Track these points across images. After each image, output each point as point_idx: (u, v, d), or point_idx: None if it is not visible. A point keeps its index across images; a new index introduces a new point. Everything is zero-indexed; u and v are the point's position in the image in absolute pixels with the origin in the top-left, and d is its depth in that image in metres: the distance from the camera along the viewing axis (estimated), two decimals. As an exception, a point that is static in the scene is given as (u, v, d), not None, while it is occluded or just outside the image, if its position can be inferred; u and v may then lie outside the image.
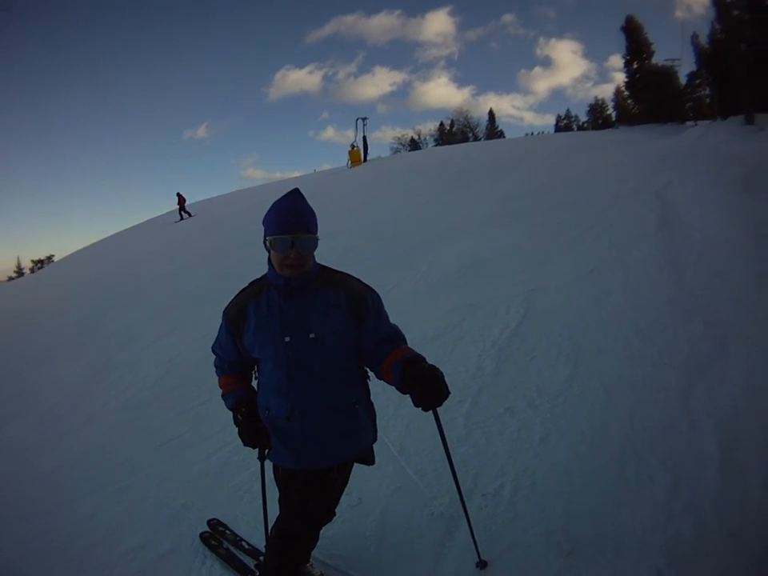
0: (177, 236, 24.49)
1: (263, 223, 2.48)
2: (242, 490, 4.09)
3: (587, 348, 5.62)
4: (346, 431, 2.61)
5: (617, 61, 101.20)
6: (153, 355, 8.12)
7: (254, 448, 2.70)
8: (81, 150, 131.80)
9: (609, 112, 59.19)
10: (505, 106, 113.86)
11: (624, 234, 9.19)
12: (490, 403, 4.84)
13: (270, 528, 2.78)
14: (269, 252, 2.48)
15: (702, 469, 3.69)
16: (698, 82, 44.43)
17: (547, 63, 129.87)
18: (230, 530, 3.60)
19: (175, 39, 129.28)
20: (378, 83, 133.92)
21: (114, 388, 7.26)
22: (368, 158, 39.19)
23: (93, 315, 12.77)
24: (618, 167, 15.10)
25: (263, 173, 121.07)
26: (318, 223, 2.53)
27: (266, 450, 2.68)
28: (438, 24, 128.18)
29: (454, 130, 70.00)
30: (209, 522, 3.70)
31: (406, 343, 2.62)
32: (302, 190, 2.58)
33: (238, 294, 2.64)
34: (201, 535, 3.60)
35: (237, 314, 2.57)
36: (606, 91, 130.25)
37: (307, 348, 2.47)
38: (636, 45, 45.96)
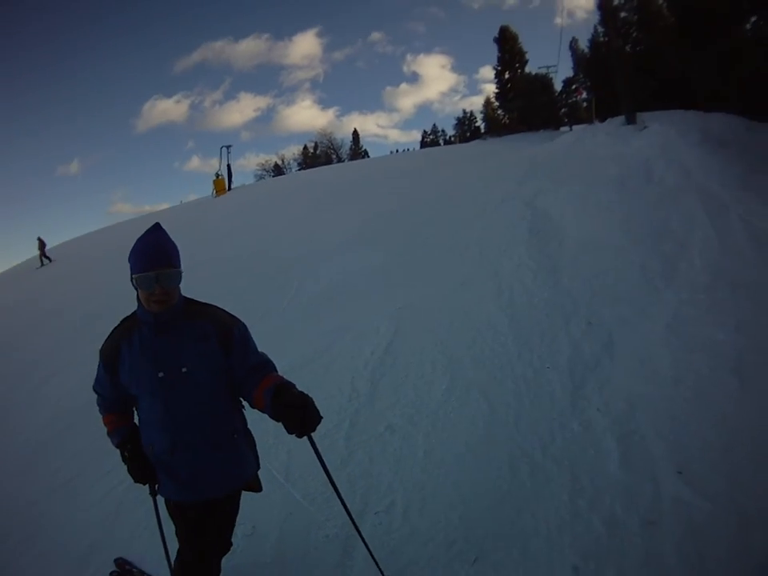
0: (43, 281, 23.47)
1: (128, 261, 2.59)
2: (142, 527, 4.18)
3: (462, 360, 5.92)
4: (228, 461, 2.74)
5: (487, 72, 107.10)
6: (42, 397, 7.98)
7: (143, 484, 2.83)
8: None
9: (478, 124, 61.12)
10: (369, 125, 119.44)
11: (493, 244, 9.71)
12: (369, 423, 5.05)
13: (173, 561, 2.91)
14: (136, 290, 2.59)
15: (603, 465, 4.04)
16: (574, 87, 46.57)
17: (414, 79, 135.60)
18: (137, 568, 3.79)
19: (43, 66, 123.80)
20: (243, 109, 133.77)
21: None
22: (232, 187, 39.31)
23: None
24: (486, 178, 16.13)
25: (131, 207, 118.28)
26: (184, 254, 2.68)
27: (156, 485, 2.81)
28: (305, 46, 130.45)
29: (317, 152, 71.06)
30: (115, 561, 3.86)
31: (275, 371, 2.77)
32: (167, 223, 2.76)
33: (111, 333, 2.74)
34: (110, 575, 3.75)
35: (111, 352, 2.67)
36: (475, 103, 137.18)
37: (181, 382, 2.59)
38: (509, 55, 48.30)
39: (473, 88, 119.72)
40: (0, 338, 13.59)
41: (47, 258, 30.47)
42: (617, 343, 5.73)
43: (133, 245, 2.62)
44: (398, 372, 5.88)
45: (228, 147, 41.23)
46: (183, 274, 2.63)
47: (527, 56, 49.87)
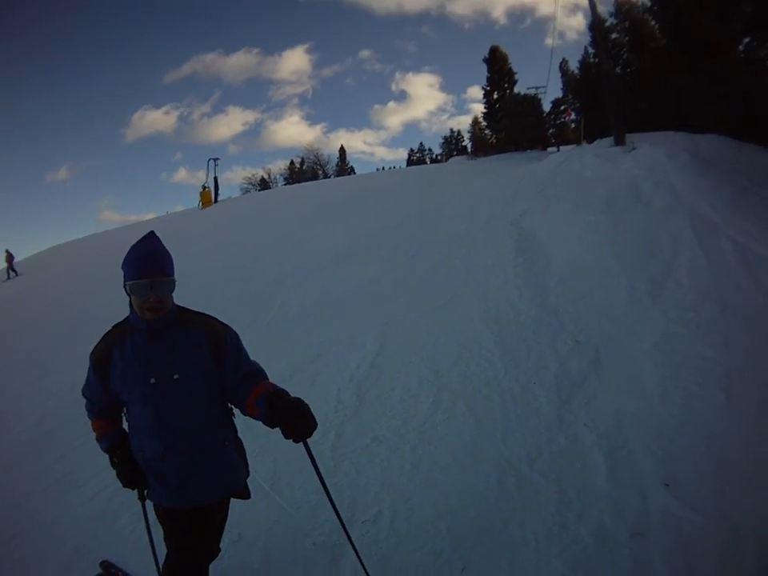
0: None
1: (122, 268, 2.66)
2: (127, 531, 4.27)
3: (449, 375, 6.03)
4: (219, 468, 2.81)
5: (476, 92, 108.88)
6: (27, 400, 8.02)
7: (132, 489, 2.90)
8: None
9: (464, 143, 61.68)
10: (356, 142, 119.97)
11: (480, 262, 9.88)
12: (356, 434, 5.14)
13: (161, 566, 2.96)
14: (129, 296, 2.67)
15: (591, 478, 4.14)
16: (562, 108, 47.14)
17: (402, 97, 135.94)
18: (122, 571, 3.85)
19: (35, 73, 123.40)
20: (231, 123, 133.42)
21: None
22: (218, 199, 39.52)
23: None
24: (472, 197, 16.32)
25: (118, 216, 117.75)
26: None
27: (145, 491, 2.88)
28: (294, 61, 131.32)
29: (304, 168, 71.26)
30: (101, 563, 3.92)
31: (267, 379, 2.84)
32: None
33: (102, 337, 2.81)
34: (95, 577, 3.83)
35: (102, 357, 2.73)
36: (462, 123, 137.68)
37: (172, 389, 2.66)
38: (499, 75, 48.80)
39: (461, 107, 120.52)
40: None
41: (14, 271, 30.27)
42: (604, 360, 5.85)
43: (127, 252, 2.68)
44: (384, 385, 5.98)
45: (216, 160, 41.64)
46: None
47: (516, 76, 50.57)
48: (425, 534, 3.74)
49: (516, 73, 50.47)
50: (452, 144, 66.68)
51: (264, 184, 70.99)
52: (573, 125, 46.30)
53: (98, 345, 2.79)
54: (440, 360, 6.38)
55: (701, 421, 4.60)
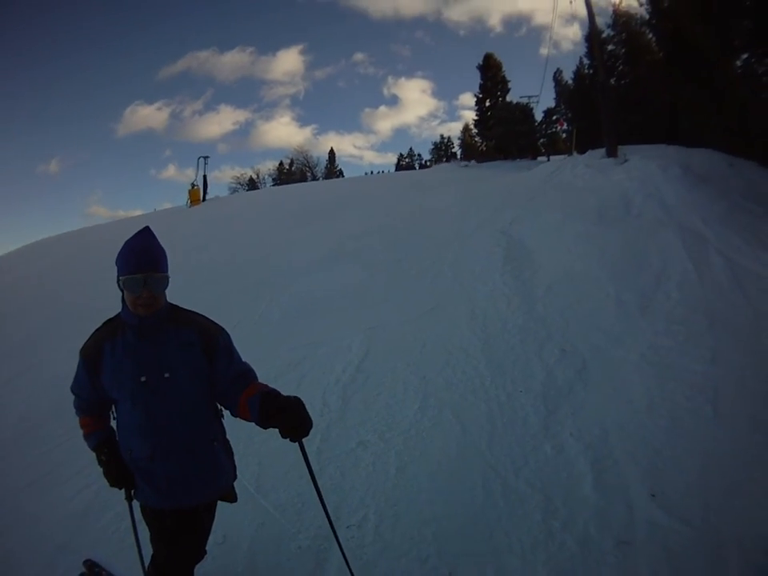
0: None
1: (116, 263, 2.68)
2: (111, 529, 4.31)
3: (435, 381, 6.09)
4: (207, 469, 2.83)
5: (468, 99, 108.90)
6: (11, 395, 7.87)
7: (119, 489, 2.90)
8: None
9: (454, 149, 61.84)
10: (346, 145, 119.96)
11: (467, 269, 9.95)
12: (341, 438, 5.18)
13: (147, 566, 2.99)
14: (122, 292, 2.69)
15: (577, 488, 4.21)
16: (555, 117, 47.45)
17: (394, 102, 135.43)
18: (106, 570, 3.82)
19: (27, 66, 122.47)
20: (222, 121, 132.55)
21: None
22: (207, 198, 39.35)
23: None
24: (461, 204, 16.25)
25: (106, 211, 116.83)
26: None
27: (132, 491, 2.89)
28: (288, 62, 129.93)
29: (293, 169, 71.21)
30: (84, 562, 3.87)
31: (257, 379, 2.86)
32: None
33: (93, 333, 2.82)
34: (79, 576, 3.83)
35: (93, 354, 2.74)
36: (453, 129, 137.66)
37: (163, 388, 2.67)
38: (492, 82, 48.96)
39: (452, 114, 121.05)
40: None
41: None
42: (591, 371, 5.94)
43: (122, 246, 2.70)
44: (370, 390, 6.03)
45: (205, 158, 41.42)
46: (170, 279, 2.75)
47: (510, 85, 50.64)
48: (410, 540, 3.78)
49: (509, 81, 50.65)
50: (442, 150, 66.95)
51: (252, 184, 70.88)
52: (564, 135, 46.56)
53: (88, 341, 2.79)
54: (426, 366, 6.43)
55: (687, 433, 4.70)
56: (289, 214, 21.14)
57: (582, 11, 31.12)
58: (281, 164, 75.29)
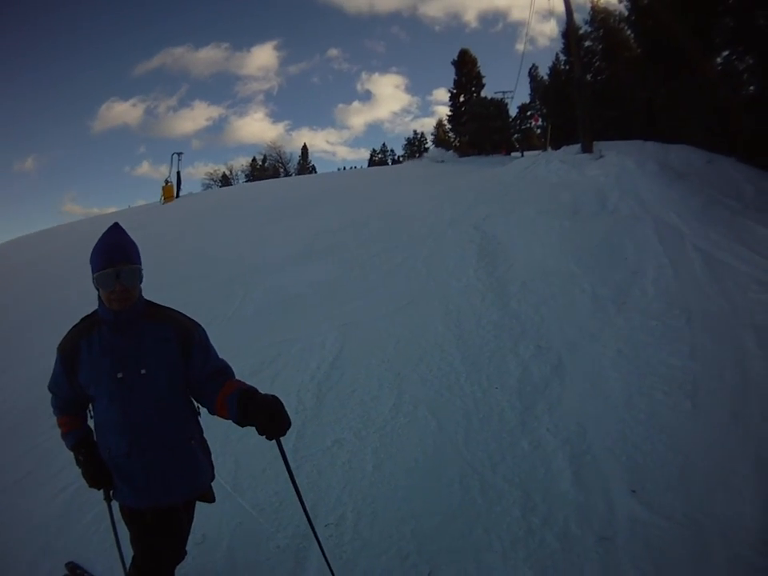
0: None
1: (90, 262, 2.67)
2: (91, 531, 4.26)
3: (410, 378, 6.09)
4: (185, 467, 2.82)
5: (441, 95, 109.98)
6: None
7: (98, 489, 2.89)
8: None
9: (427, 145, 61.99)
10: (319, 141, 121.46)
11: (441, 265, 10.00)
12: (316, 436, 5.17)
13: (128, 567, 2.96)
14: (98, 290, 2.68)
15: (555, 483, 4.23)
16: (529, 113, 47.77)
17: (367, 97, 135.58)
18: (88, 573, 3.84)
19: (1, 64, 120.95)
20: (196, 117, 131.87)
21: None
22: (180, 194, 39.19)
23: None
24: (435, 199, 16.29)
25: (81, 208, 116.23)
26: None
27: (111, 491, 2.87)
28: (262, 58, 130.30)
29: (266, 165, 71.07)
30: (66, 565, 3.90)
31: (234, 376, 2.87)
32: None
33: (70, 330, 2.80)
34: (60, 580, 3.84)
35: (70, 351, 2.72)
36: (426, 125, 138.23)
37: (139, 384, 2.66)
38: (467, 78, 49.16)
39: (425, 110, 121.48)
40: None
41: None
42: (567, 366, 5.98)
43: (94, 245, 2.68)
44: (345, 387, 6.02)
45: (179, 154, 41.59)
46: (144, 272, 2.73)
47: (485, 80, 50.99)
48: (389, 538, 3.78)
49: (484, 77, 51.08)
50: (415, 146, 67.04)
51: (225, 180, 70.77)
52: (538, 130, 46.94)
53: (65, 337, 2.78)
54: (401, 362, 6.44)
55: (667, 428, 4.73)
56: (262, 210, 21.11)
57: (560, 7, 31.18)
58: (254, 160, 75.53)
